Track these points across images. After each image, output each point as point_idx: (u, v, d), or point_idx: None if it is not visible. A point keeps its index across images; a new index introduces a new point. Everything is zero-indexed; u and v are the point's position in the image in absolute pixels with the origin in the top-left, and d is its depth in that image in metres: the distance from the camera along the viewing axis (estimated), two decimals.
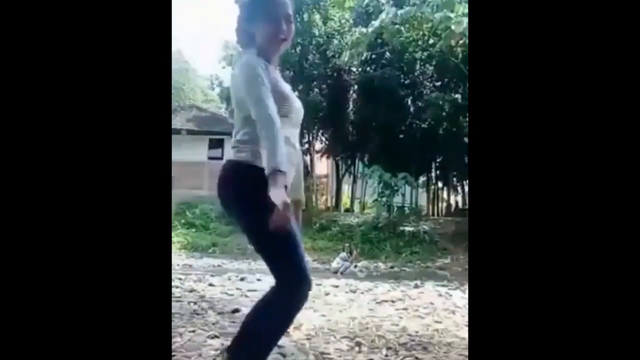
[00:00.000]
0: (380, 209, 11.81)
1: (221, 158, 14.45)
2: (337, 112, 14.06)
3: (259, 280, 4.96)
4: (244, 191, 1.46)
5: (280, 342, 1.79)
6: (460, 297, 4.25)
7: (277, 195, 1.27)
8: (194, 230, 11.90)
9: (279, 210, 1.27)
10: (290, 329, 2.36)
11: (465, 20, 7.27)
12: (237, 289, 4.36)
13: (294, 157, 1.54)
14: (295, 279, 1.45)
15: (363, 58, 11.72)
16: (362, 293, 4.38)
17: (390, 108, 12.80)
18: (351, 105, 14.73)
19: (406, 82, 13.82)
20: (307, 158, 14.50)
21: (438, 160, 15.02)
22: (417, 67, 13.86)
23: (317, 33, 13.30)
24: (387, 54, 13.30)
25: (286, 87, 1.57)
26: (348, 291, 4.47)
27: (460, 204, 16.12)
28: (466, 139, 11.76)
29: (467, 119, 10.96)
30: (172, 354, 2.04)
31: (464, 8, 7.57)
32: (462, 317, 3.29)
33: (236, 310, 3.16)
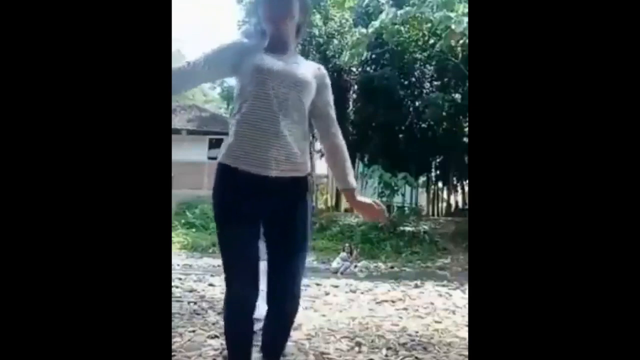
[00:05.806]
0: None
1: None
2: (337, 112, 13.95)
3: None
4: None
5: None
6: (460, 297, 4.26)
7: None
8: (194, 230, 11.90)
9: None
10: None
11: (465, 20, 7.26)
12: None
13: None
14: (234, 281, 1.45)
15: (363, 58, 11.71)
16: (362, 293, 4.39)
17: (390, 108, 12.80)
18: (351, 105, 14.72)
19: (406, 82, 13.82)
20: None
21: (438, 160, 15.03)
22: (417, 67, 13.86)
23: (317, 33, 13.29)
24: (387, 54, 13.30)
25: (270, 62, 1.50)
26: (348, 291, 4.47)
27: (460, 204, 16.13)
28: (466, 139, 11.78)
29: (467, 119, 10.97)
30: (172, 354, 2.04)
31: (464, 8, 7.57)
32: (462, 317, 3.29)
33: None
